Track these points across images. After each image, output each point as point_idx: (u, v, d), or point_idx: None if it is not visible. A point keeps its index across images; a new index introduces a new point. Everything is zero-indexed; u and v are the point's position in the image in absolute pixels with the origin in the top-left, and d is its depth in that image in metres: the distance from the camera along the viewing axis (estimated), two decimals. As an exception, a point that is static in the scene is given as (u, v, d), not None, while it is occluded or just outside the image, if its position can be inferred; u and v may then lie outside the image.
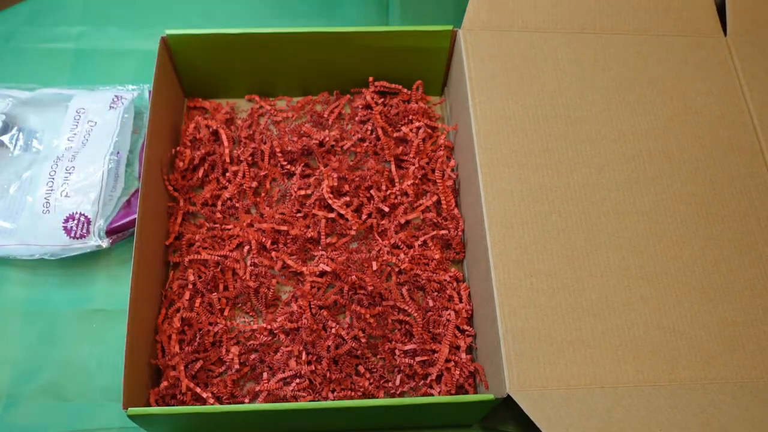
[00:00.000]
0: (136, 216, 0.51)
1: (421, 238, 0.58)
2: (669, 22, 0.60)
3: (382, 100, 0.64)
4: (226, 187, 0.60)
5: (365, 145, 0.62)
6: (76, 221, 0.55)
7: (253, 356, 0.53)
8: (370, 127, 0.62)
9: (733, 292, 0.50)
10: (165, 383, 0.51)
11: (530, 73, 0.57)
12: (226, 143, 0.60)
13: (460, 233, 0.58)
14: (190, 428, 0.50)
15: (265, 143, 0.61)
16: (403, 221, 0.59)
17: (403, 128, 0.61)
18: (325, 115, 0.64)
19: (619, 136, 0.55)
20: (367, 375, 0.53)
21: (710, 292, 0.49)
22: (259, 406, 0.45)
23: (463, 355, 0.53)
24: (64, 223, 0.55)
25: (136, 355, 0.48)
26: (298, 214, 0.59)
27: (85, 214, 0.56)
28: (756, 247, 0.51)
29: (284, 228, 0.57)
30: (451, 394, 0.52)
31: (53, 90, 0.64)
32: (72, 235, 0.55)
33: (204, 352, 0.53)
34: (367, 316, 0.54)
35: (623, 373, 0.46)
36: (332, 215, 0.58)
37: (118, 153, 0.59)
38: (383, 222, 0.59)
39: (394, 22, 0.72)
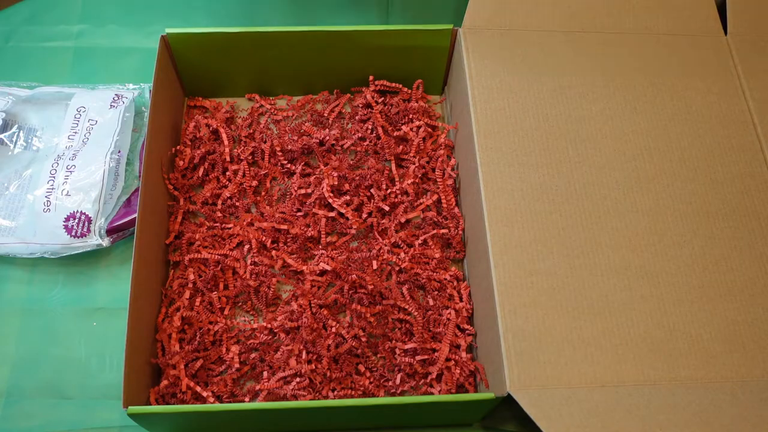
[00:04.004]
0: (136, 215, 0.51)
1: (422, 237, 0.58)
2: (669, 21, 0.60)
3: (383, 98, 0.64)
4: (226, 186, 0.60)
5: (365, 144, 0.62)
6: (76, 220, 0.55)
7: (253, 355, 0.53)
8: (370, 126, 0.62)
9: (733, 291, 0.50)
10: (165, 382, 0.51)
11: (530, 73, 0.57)
12: (226, 142, 0.60)
13: (460, 232, 0.58)
14: (190, 427, 0.50)
15: (265, 142, 0.61)
16: (403, 220, 0.59)
17: (404, 127, 0.61)
18: (326, 114, 0.64)
19: (619, 135, 0.55)
20: (368, 374, 0.53)
21: (710, 292, 0.49)
22: (259, 405, 0.46)
23: (464, 354, 0.53)
24: (64, 221, 0.55)
25: (136, 354, 0.48)
26: (299, 213, 0.59)
27: (86, 213, 0.56)
28: (756, 246, 0.51)
29: (284, 227, 0.57)
30: (451, 393, 0.52)
31: (53, 88, 0.64)
32: (73, 233, 0.55)
33: (204, 351, 0.53)
34: (368, 315, 0.54)
35: (623, 372, 0.46)
36: (332, 214, 0.58)
37: (118, 152, 0.59)
38: (383, 221, 0.59)
39: (394, 21, 0.72)
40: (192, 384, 0.51)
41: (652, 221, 0.52)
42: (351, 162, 0.61)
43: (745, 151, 0.55)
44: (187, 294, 0.54)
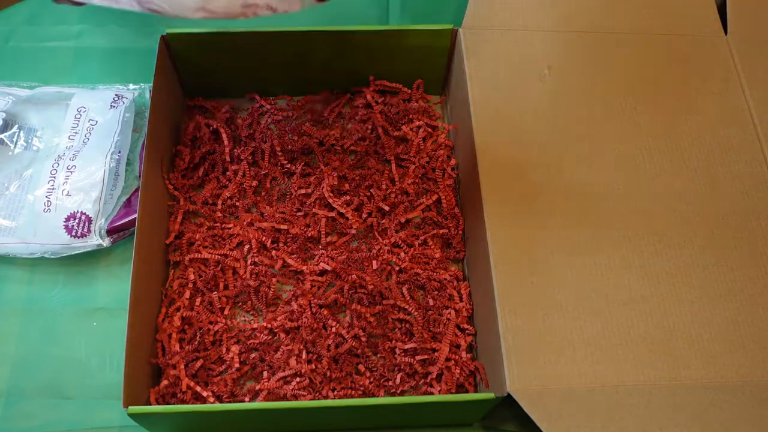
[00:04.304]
0: (136, 215, 0.51)
1: (422, 237, 0.58)
2: (669, 21, 0.60)
3: (383, 99, 0.64)
4: (226, 186, 0.60)
5: (365, 144, 0.62)
6: (77, 220, 0.55)
7: (253, 355, 0.53)
8: (370, 126, 0.62)
9: (733, 291, 0.50)
10: (165, 382, 0.51)
11: (530, 73, 0.57)
12: (226, 142, 0.60)
13: (460, 232, 0.58)
14: (190, 427, 0.50)
15: (265, 142, 0.61)
16: (403, 220, 0.59)
17: (404, 127, 0.61)
18: (326, 114, 0.64)
19: (620, 135, 0.55)
20: (368, 374, 0.53)
21: (710, 292, 0.49)
22: (259, 404, 0.46)
23: (464, 354, 0.53)
24: (65, 221, 0.55)
25: (136, 354, 0.48)
26: (299, 213, 0.59)
27: (87, 213, 0.56)
28: (756, 246, 0.51)
29: (284, 227, 0.57)
30: (451, 393, 0.52)
31: (54, 88, 0.64)
32: (73, 234, 0.55)
33: (204, 351, 0.53)
34: (368, 314, 0.54)
35: (623, 372, 0.46)
36: (332, 214, 0.58)
37: (119, 152, 0.59)
38: (383, 221, 0.59)
39: (394, 21, 0.72)
40: (192, 384, 0.51)
41: (652, 221, 0.52)
42: (351, 162, 0.61)
43: (745, 151, 0.55)
44: (187, 294, 0.54)
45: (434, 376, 0.52)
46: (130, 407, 0.44)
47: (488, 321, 0.49)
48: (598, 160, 0.53)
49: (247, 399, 0.52)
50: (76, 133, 0.59)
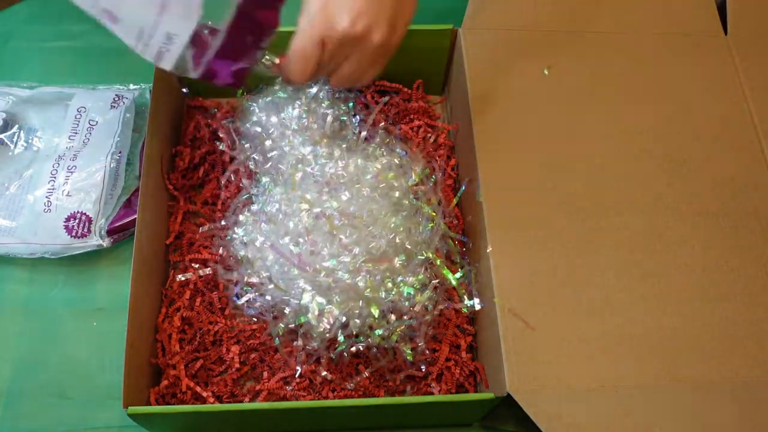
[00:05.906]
0: (136, 215, 0.51)
1: (422, 237, 0.58)
2: (669, 21, 0.60)
3: (383, 99, 0.64)
4: (226, 187, 0.60)
5: (365, 144, 0.62)
6: (77, 220, 0.55)
7: (253, 355, 0.53)
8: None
9: (733, 291, 0.49)
10: (165, 382, 0.51)
11: (530, 73, 0.57)
12: (226, 142, 0.60)
13: (460, 232, 0.58)
14: (190, 427, 0.50)
15: (265, 142, 0.61)
16: (403, 220, 0.59)
17: (404, 127, 0.61)
18: (326, 114, 0.63)
19: (620, 135, 0.55)
20: (368, 374, 0.53)
21: (710, 292, 0.49)
22: (259, 405, 0.46)
23: (464, 354, 0.53)
24: (65, 222, 0.55)
25: (136, 354, 0.48)
26: (299, 213, 0.59)
27: (87, 214, 0.56)
28: (756, 246, 0.51)
29: (284, 227, 0.57)
30: (451, 393, 0.52)
31: (54, 88, 0.63)
32: (73, 234, 0.55)
33: (204, 351, 0.53)
34: (368, 315, 0.53)
35: (623, 372, 0.46)
36: (332, 214, 0.58)
37: (119, 152, 0.59)
38: (383, 221, 0.59)
39: (394, 21, 0.71)
40: (192, 384, 0.51)
41: (652, 221, 0.52)
42: (351, 162, 0.61)
43: (745, 151, 0.55)
44: (187, 294, 0.54)
45: (434, 376, 0.52)
46: (130, 407, 0.44)
47: (488, 321, 0.49)
48: (598, 160, 0.53)
49: (247, 399, 0.52)
50: (76, 133, 0.59)
